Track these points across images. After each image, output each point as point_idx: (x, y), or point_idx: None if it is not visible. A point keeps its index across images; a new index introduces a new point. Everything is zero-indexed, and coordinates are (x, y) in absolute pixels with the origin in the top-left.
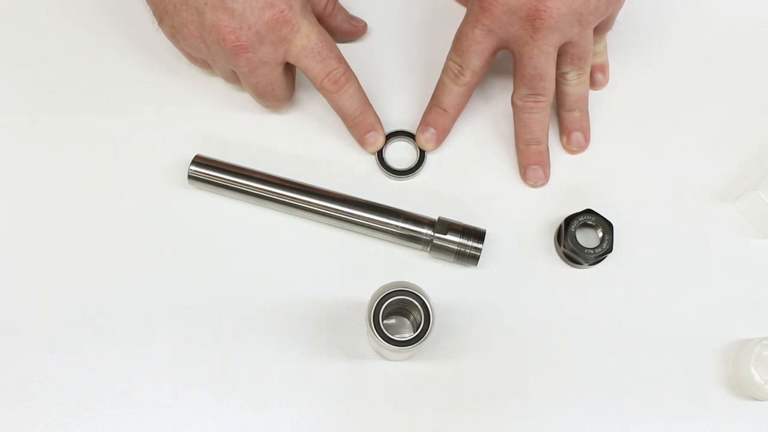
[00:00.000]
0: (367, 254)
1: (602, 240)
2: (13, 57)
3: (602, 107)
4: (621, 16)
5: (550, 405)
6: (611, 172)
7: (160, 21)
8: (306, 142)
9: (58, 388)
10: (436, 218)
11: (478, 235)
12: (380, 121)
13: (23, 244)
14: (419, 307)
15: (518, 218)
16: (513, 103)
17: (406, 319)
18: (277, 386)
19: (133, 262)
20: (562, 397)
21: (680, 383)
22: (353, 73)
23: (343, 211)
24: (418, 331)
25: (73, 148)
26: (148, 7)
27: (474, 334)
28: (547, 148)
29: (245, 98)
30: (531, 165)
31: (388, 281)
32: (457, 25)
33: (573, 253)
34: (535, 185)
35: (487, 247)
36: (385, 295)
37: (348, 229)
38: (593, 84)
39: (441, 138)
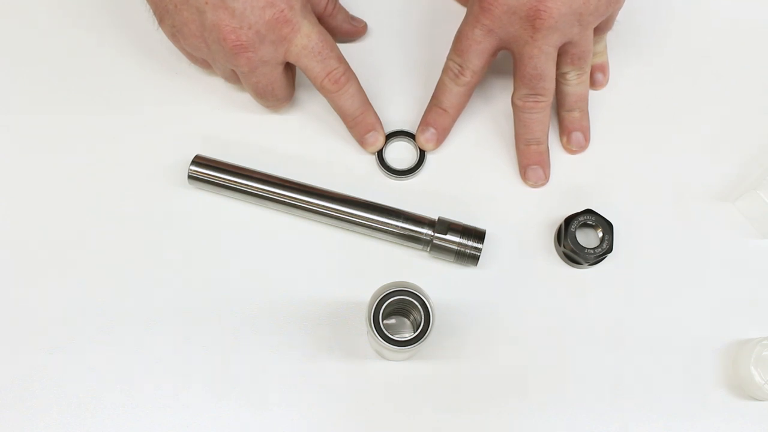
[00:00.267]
0: (367, 254)
1: (602, 240)
2: (13, 57)
3: (602, 107)
4: (621, 16)
5: (550, 405)
6: (611, 172)
7: (161, 20)
8: (306, 142)
9: (58, 388)
10: (436, 218)
11: (478, 235)
12: (380, 121)
13: (23, 244)
14: (419, 307)
15: (518, 218)
16: (513, 103)
17: (406, 319)
18: (277, 386)
19: (133, 262)
20: (562, 397)
21: (680, 383)
22: (353, 73)
23: (343, 211)
24: (418, 331)
25: (73, 148)
26: (148, 7)
27: (474, 334)
28: (547, 148)
29: (245, 98)
30: (531, 165)
31: (388, 281)
32: (457, 25)
33: (573, 253)
34: (535, 185)
35: (487, 247)
36: (385, 295)
37: (348, 229)
38: (593, 84)
39: (441, 138)
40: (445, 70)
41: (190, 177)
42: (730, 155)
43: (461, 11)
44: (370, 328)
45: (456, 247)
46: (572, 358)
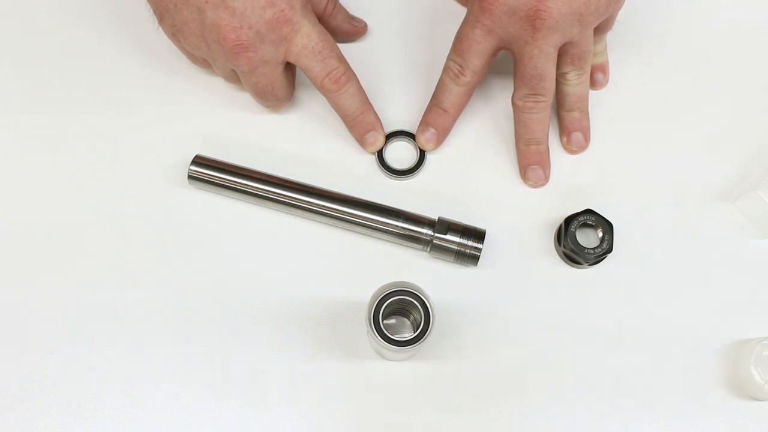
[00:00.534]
0: (367, 254)
1: (602, 240)
2: (13, 57)
3: (602, 107)
4: (621, 16)
5: (550, 405)
6: (611, 172)
7: (161, 20)
8: (306, 142)
9: (58, 388)
10: (436, 218)
11: (478, 235)
12: (380, 121)
13: (23, 244)
14: (419, 307)
15: (518, 218)
16: (513, 103)
17: (406, 319)
18: (277, 386)
19: (133, 262)
20: (562, 397)
21: (680, 383)
22: (353, 73)
23: (343, 211)
24: (418, 331)
25: (73, 148)
26: (148, 6)
27: (474, 334)
28: (548, 148)
29: (245, 98)
30: (531, 165)
31: (388, 281)
32: (457, 25)
33: (573, 253)
34: (535, 185)
35: (487, 247)
36: (385, 295)
37: (348, 229)
38: (593, 84)
39: (441, 138)
40: (446, 70)
41: (190, 177)
42: (730, 155)
43: (461, 11)
44: (370, 328)
45: (456, 247)
46: (572, 358)
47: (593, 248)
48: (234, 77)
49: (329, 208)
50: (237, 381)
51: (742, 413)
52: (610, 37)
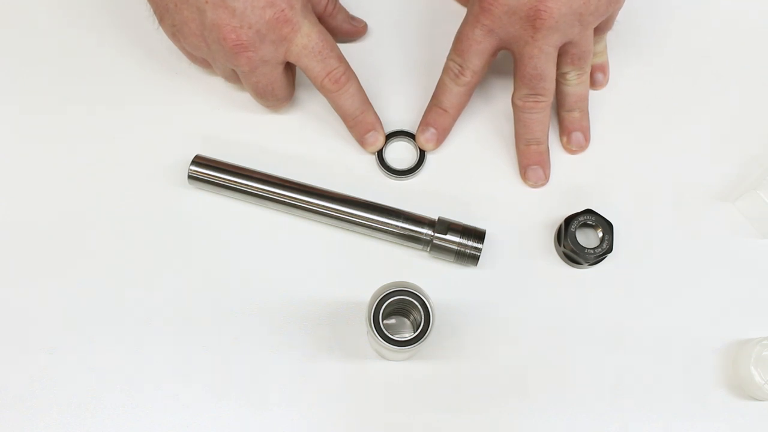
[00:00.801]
0: (367, 254)
1: (602, 240)
2: (13, 57)
3: (602, 107)
4: (621, 16)
5: (550, 405)
6: (611, 172)
7: (161, 19)
8: (306, 142)
9: (58, 388)
10: (436, 218)
11: (478, 235)
12: (380, 121)
13: (23, 244)
14: (419, 307)
15: (518, 218)
16: (513, 103)
17: (406, 319)
18: (277, 386)
19: (133, 262)
20: (562, 397)
21: (680, 383)
22: (353, 73)
23: (343, 211)
24: (418, 331)
25: (73, 147)
26: (148, 6)
27: (474, 334)
28: (548, 148)
29: (245, 98)
30: (531, 165)
31: (388, 281)
32: (457, 25)
33: (573, 253)
34: (535, 185)
35: (487, 247)
36: (385, 295)
37: (348, 229)
38: (593, 84)
39: (441, 138)
40: (446, 70)
41: (190, 177)
42: (730, 155)
43: (461, 11)
44: (370, 328)
45: (456, 247)
46: (572, 358)
47: (593, 248)
48: (234, 77)
49: (329, 208)
50: (237, 381)
51: (742, 413)
52: (610, 37)
